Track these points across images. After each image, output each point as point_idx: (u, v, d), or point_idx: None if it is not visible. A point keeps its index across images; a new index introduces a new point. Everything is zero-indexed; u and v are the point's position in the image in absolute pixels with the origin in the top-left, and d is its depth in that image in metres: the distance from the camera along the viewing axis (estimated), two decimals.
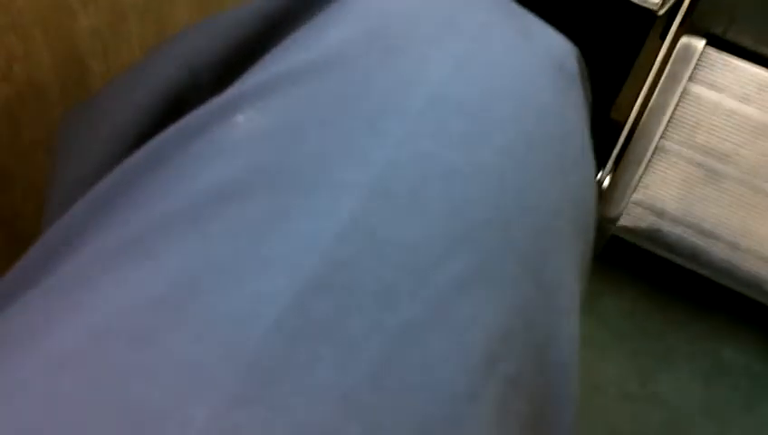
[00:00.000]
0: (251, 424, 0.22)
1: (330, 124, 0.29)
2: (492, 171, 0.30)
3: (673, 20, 0.90)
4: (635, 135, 0.93)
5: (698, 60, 0.91)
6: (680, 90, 0.91)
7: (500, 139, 0.31)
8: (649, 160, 0.93)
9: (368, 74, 0.31)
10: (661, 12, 0.88)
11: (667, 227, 0.95)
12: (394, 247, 0.27)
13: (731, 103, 0.91)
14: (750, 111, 0.91)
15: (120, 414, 0.22)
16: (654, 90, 0.92)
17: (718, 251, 0.95)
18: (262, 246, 0.26)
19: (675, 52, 0.91)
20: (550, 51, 0.37)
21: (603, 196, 0.97)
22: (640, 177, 0.94)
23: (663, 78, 0.91)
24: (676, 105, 0.91)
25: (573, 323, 0.33)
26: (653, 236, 0.96)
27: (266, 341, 0.23)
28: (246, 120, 0.30)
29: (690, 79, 0.91)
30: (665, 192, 0.94)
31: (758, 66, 0.91)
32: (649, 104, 0.92)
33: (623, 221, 0.97)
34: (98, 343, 0.24)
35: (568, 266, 0.33)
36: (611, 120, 0.96)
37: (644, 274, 1.15)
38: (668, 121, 0.92)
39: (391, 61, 0.32)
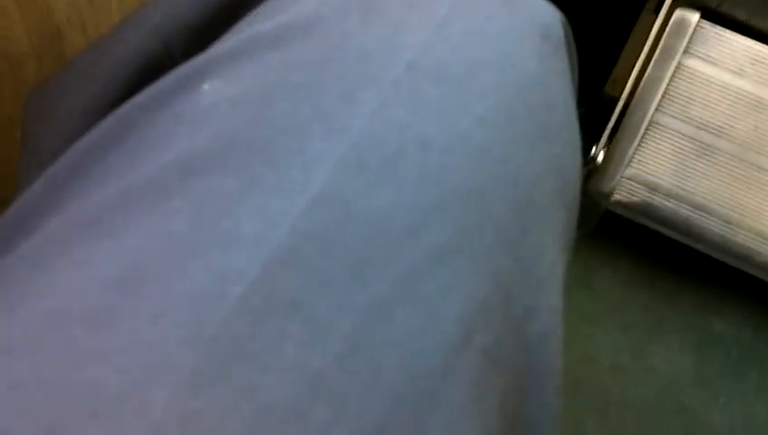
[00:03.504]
0: (213, 407, 0.21)
1: (302, 92, 0.28)
2: (470, 141, 0.29)
3: None
4: (629, 109, 0.93)
5: (692, 33, 0.91)
6: (674, 63, 0.91)
7: (480, 108, 0.30)
8: (643, 135, 0.93)
9: (344, 39, 0.30)
10: None
11: (659, 201, 0.96)
12: (366, 220, 0.26)
13: (725, 77, 0.91)
14: (743, 84, 0.91)
15: (75, 399, 0.21)
16: (648, 64, 0.92)
17: (710, 225, 0.96)
18: (227, 222, 0.25)
19: (669, 25, 0.90)
20: (534, 17, 0.35)
21: (597, 171, 0.97)
22: (634, 151, 0.94)
23: (657, 52, 0.91)
24: (671, 79, 0.91)
25: (554, 294, 0.32)
26: (646, 210, 0.97)
27: (229, 320, 0.22)
28: (213, 89, 0.29)
29: (684, 52, 0.91)
30: (658, 166, 0.95)
31: (752, 39, 0.91)
32: (644, 78, 0.92)
33: (617, 196, 0.97)
34: (53, 326, 0.23)
35: (549, 238, 0.32)
36: (606, 94, 0.96)
37: (637, 247, 1.15)
38: (662, 95, 0.92)
39: (369, 25, 0.31)
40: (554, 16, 0.37)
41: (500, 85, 0.31)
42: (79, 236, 0.25)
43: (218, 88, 0.29)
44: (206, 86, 0.29)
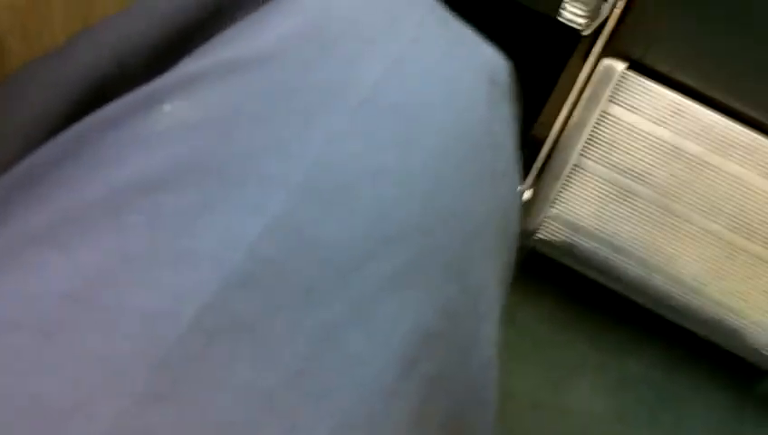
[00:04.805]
0: (162, 423, 0.21)
1: (261, 118, 0.29)
2: (422, 175, 0.30)
3: (595, 42, 0.93)
4: (554, 151, 0.96)
5: (618, 82, 0.94)
6: (599, 110, 0.94)
7: (431, 144, 0.31)
8: (567, 177, 0.96)
9: (304, 70, 0.31)
10: (586, 32, 0.91)
11: (581, 241, 0.98)
12: (319, 246, 0.26)
13: (646, 125, 0.95)
14: (664, 133, 0.95)
15: (16, 412, 0.21)
16: (574, 109, 0.95)
17: (629, 267, 0.99)
18: (183, 240, 0.25)
19: (596, 73, 0.94)
20: (484, 63, 0.37)
21: (522, 209, 1.00)
22: (557, 192, 0.97)
23: (583, 98, 0.94)
24: (595, 125, 0.94)
25: (494, 327, 0.33)
26: (568, 249, 0.99)
27: (183, 338, 0.23)
28: (173, 111, 0.30)
29: (609, 100, 0.94)
30: (581, 208, 0.97)
31: (674, 91, 0.95)
32: (569, 123, 0.95)
33: (541, 234, 1.00)
34: None
35: (491, 273, 0.33)
36: (533, 136, 0.98)
37: (560, 286, 1.18)
38: (587, 140, 0.95)
39: (328, 58, 0.32)
40: (503, 65, 0.39)
41: (451, 125, 0.32)
42: (30, 248, 0.26)
43: (178, 110, 0.30)
44: (166, 107, 0.30)
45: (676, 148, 0.94)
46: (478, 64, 0.37)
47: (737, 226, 0.94)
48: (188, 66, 0.32)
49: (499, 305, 0.34)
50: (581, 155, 0.95)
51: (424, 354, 0.28)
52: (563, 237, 0.99)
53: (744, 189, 0.93)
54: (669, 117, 0.94)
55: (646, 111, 0.94)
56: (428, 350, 0.28)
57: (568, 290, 1.18)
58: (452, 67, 0.35)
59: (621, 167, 0.95)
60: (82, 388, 0.22)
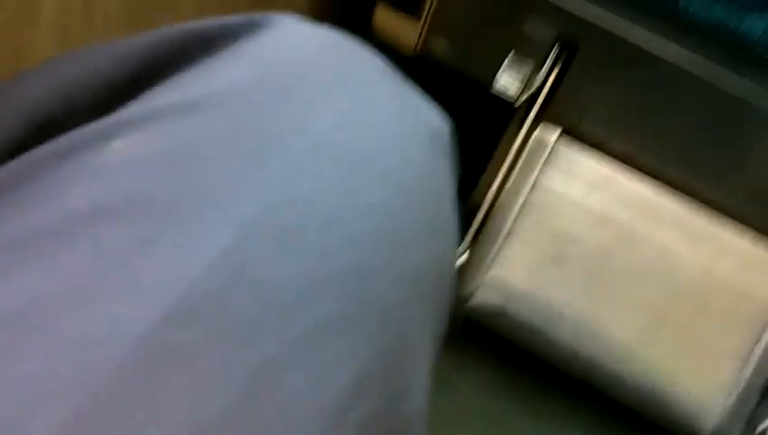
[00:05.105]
0: None
1: (213, 158, 0.30)
2: (367, 223, 0.31)
3: (530, 110, 0.95)
4: (489, 218, 0.96)
5: (551, 150, 0.96)
6: (533, 177, 0.96)
7: (377, 193, 0.32)
8: (502, 243, 0.97)
9: (258, 114, 0.32)
10: (518, 103, 0.93)
11: (514, 308, 0.98)
12: (263, 285, 0.27)
13: (578, 193, 0.96)
14: (595, 201, 0.96)
15: None
16: (510, 175, 0.96)
17: (563, 334, 0.99)
18: (127, 270, 0.25)
19: (530, 141, 0.95)
20: (427, 122, 0.39)
21: (458, 273, 1.00)
22: (492, 258, 0.97)
23: (518, 165, 0.96)
24: (529, 192, 0.96)
25: (426, 378, 0.34)
26: (501, 316, 0.99)
27: (120, 366, 0.23)
28: (124, 147, 0.30)
29: (543, 167, 0.96)
30: (515, 274, 0.98)
31: (606, 159, 0.97)
32: (504, 189, 0.96)
33: (474, 301, 0.99)
34: None
35: (425, 323, 0.34)
36: (469, 203, 0.99)
37: (497, 354, 1.17)
38: (521, 207, 0.96)
39: (282, 104, 0.33)
40: (444, 124, 0.41)
41: (396, 177, 0.34)
42: None
43: (128, 147, 0.30)
44: (117, 143, 0.30)
45: (607, 215, 0.95)
46: (422, 122, 0.39)
47: (665, 293, 0.95)
48: (140, 106, 0.33)
49: (431, 355, 0.36)
50: (516, 222, 0.96)
51: (358, 400, 0.28)
52: (496, 304, 0.99)
53: (672, 257, 0.94)
54: (602, 184, 0.96)
55: (578, 178, 0.96)
56: (363, 395, 0.28)
57: (505, 358, 1.17)
58: (399, 123, 0.37)
59: (554, 233, 0.96)
60: (15, 410, 0.21)
